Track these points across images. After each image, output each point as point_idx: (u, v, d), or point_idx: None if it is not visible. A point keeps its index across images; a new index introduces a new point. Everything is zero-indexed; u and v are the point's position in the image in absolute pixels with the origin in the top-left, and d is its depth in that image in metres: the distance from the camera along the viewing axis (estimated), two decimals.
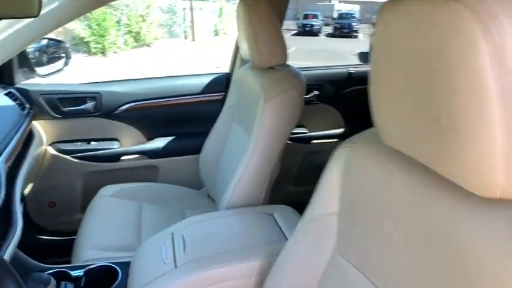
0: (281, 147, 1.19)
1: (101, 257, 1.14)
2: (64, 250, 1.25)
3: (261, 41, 1.17)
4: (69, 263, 1.15)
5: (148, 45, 11.17)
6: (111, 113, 1.65)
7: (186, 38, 12.95)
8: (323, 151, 2.05)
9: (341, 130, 1.95)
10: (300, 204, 1.97)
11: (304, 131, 1.89)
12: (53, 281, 0.81)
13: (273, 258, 0.80)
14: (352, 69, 1.91)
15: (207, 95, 1.79)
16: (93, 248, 1.18)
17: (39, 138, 1.52)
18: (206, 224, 1.06)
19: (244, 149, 1.21)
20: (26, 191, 1.62)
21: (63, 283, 1.00)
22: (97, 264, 1.06)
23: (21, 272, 1.03)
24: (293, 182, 1.95)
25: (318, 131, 1.91)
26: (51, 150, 1.61)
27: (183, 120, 1.80)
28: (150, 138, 1.77)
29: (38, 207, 1.68)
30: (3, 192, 0.97)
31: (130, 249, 1.22)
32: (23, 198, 1.63)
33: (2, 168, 1.02)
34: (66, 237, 1.72)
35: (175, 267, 0.91)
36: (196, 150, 1.67)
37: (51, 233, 1.72)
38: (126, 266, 1.05)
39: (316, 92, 1.87)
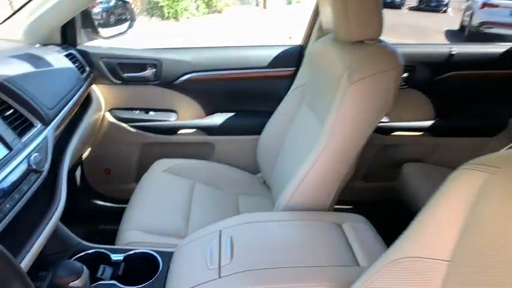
0: (362, 144, 0.95)
1: (143, 241, 1.05)
2: (116, 216, 1.20)
3: (352, 6, 0.92)
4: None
5: (219, 12, 11.10)
6: (171, 83, 1.54)
7: (257, 5, 12.64)
8: (404, 145, 1.77)
9: (430, 123, 1.62)
10: (366, 203, 1.75)
11: (385, 120, 1.61)
12: (86, 272, 0.72)
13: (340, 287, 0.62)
14: (455, 50, 1.55)
15: (274, 69, 1.59)
16: (137, 228, 1.10)
17: (97, 103, 1.46)
18: (260, 227, 0.90)
19: (313, 139, 1.00)
20: (84, 155, 1.61)
21: (102, 266, 0.92)
22: (137, 251, 0.97)
23: (61, 249, 1.00)
24: (363, 177, 1.71)
25: (402, 121, 1.62)
26: (109, 117, 1.56)
27: (245, 96, 1.63)
28: (208, 112, 1.64)
29: (94, 173, 1.67)
30: (49, 160, 0.90)
31: (175, 235, 1.12)
32: (81, 163, 1.62)
33: (51, 136, 0.95)
34: (120, 205, 1.71)
35: (219, 276, 0.77)
36: (257, 130, 1.50)
37: (106, 199, 1.71)
38: (167, 256, 0.94)
39: (406, 74, 1.56)
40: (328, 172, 0.96)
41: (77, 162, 1.59)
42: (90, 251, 0.96)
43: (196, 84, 1.55)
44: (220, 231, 0.88)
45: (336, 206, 1.08)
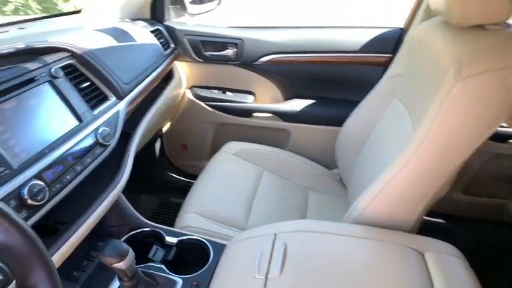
0: (467, 156, 0.75)
1: (201, 227, 1.02)
2: (187, 191, 1.20)
3: None
4: None
5: None
6: (251, 63, 1.46)
7: None
8: None
9: None
10: (464, 219, 1.48)
11: (503, 125, 1.30)
12: (131, 254, 0.71)
13: None
14: None
15: (366, 54, 1.39)
16: (198, 212, 1.07)
17: (178, 80, 1.47)
18: (322, 239, 0.78)
19: (403, 141, 0.82)
20: (164, 129, 1.66)
21: (155, 247, 0.91)
22: (192, 237, 0.94)
23: (121, 223, 1.02)
24: (463, 189, 1.43)
25: None
26: (189, 94, 1.56)
27: (330, 82, 1.47)
28: (287, 97, 1.53)
29: (172, 147, 1.72)
30: (117, 134, 0.91)
31: (234, 226, 1.07)
32: (161, 135, 1.67)
33: (123, 111, 0.96)
34: (192, 180, 1.74)
35: None
36: (338, 121, 1.35)
37: (180, 172, 1.76)
38: (220, 249, 0.89)
39: None
40: (416, 183, 0.78)
41: (157, 135, 1.65)
42: (146, 229, 0.96)
43: (277, 66, 1.45)
44: (275, 235, 0.79)
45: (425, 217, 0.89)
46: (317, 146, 1.50)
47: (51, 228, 0.75)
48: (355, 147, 1.23)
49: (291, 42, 1.42)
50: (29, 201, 0.63)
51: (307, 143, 1.51)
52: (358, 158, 1.22)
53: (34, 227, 0.75)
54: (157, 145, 1.71)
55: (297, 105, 1.50)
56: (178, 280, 0.82)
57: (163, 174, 1.74)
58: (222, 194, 1.18)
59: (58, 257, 0.69)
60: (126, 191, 1.01)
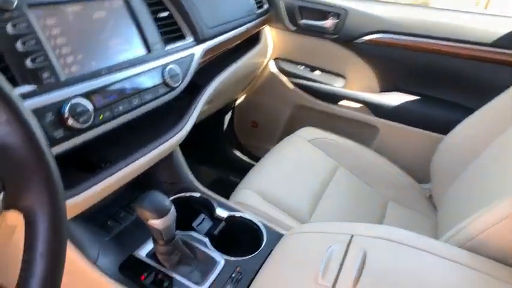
0: None
1: (257, 208, 0.87)
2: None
3: None
4: None
5: None
6: (350, 41, 1.26)
7: None
8: None
9: None
10: None
11: None
12: (172, 214, 0.58)
13: None
14: None
15: (499, 50, 1.10)
16: (257, 191, 0.92)
17: (264, 47, 1.32)
18: (411, 254, 0.56)
19: None
20: (238, 102, 1.54)
21: (202, 216, 0.78)
22: (245, 216, 0.79)
23: (171, 180, 0.91)
24: None
25: None
26: (272, 66, 1.41)
27: (441, 78, 1.21)
28: (384, 89, 1.30)
29: (242, 122, 1.59)
30: (187, 79, 0.79)
31: (294, 216, 0.89)
32: (233, 108, 1.56)
33: (199, 55, 0.83)
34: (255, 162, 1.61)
35: None
36: (442, 127, 1.09)
37: (245, 151, 1.62)
38: (275, 237, 0.73)
39: None
40: None
41: (229, 106, 1.54)
42: (196, 195, 0.83)
43: (380, 48, 1.22)
44: (352, 236, 0.60)
45: None
46: (409, 152, 1.25)
47: (93, 165, 0.65)
48: (459, 161, 0.97)
49: (405, 22, 1.18)
50: (70, 121, 0.53)
51: (398, 146, 1.26)
52: (462, 175, 0.96)
53: (74, 159, 0.67)
54: (227, 117, 1.59)
55: (394, 99, 1.25)
56: (220, 260, 0.67)
57: (227, 150, 1.63)
58: (288, 180, 1.01)
59: (91, 195, 0.59)
60: (184, 156, 0.90)
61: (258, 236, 0.75)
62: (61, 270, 0.35)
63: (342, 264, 0.54)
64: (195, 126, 0.83)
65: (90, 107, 0.56)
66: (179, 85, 0.76)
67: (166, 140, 0.74)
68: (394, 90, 1.29)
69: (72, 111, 0.53)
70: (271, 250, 0.69)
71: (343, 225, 0.65)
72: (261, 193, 0.92)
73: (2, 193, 0.32)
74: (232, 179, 1.56)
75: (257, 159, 1.56)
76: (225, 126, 1.59)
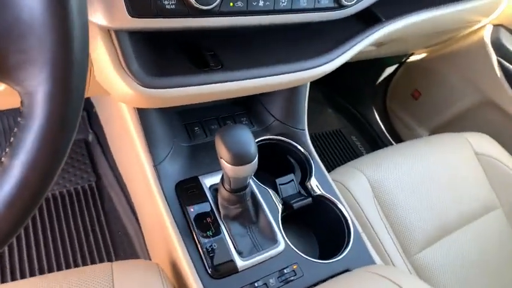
0: None
1: (358, 198, 0.66)
2: None
3: None
4: None
5: None
6: None
7: None
8: None
9: None
10: None
11: None
12: (252, 165, 0.43)
13: None
14: None
15: None
16: (370, 178, 0.70)
17: (491, 3, 0.91)
18: None
19: None
20: (410, 59, 1.21)
21: (291, 176, 0.62)
22: (339, 208, 0.60)
23: (280, 119, 0.74)
24: None
25: None
26: (487, 33, 1.00)
27: None
28: None
29: (399, 86, 1.28)
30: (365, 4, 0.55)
31: (397, 235, 0.67)
32: (400, 64, 1.24)
33: None
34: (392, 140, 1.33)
35: None
36: None
37: (387, 123, 1.34)
38: (355, 256, 0.54)
39: None
40: None
41: (393, 60, 1.23)
42: (299, 148, 0.66)
43: None
44: None
45: None
46: None
47: (203, 61, 0.51)
48: None
49: None
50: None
51: None
52: None
53: (184, 45, 0.54)
54: (387, 72, 1.29)
55: None
56: (280, 244, 0.52)
57: (366, 110, 1.36)
58: (418, 189, 0.74)
59: (193, 93, 0.47)
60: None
61: (342, 234, 0.57)
62: (47, 186, 0.24)
63: None
64: (341, 69, 0.62)
65: None
66: (353, 4, 0.53)
67: (306, 69, 0.55)
68: None
69: None
70: (340, 271, 0.51)
71: None
72: (374, 185, 0.70)
73: None
74: (353, 140, 1.33)
75: (398, 138, 1.29)
76: (378, 81, 1.30)
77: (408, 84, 1.25)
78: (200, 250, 0.49)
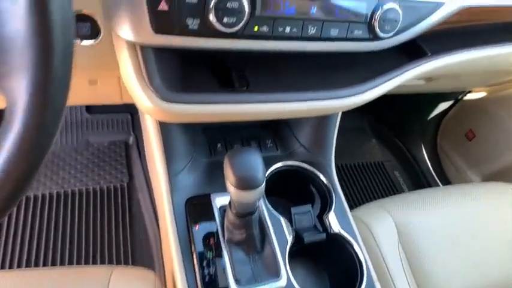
0: None
1: (380, 242, 0.61)
2: None
3: None
4: None
5: None
6: None
7: None
8: None
9: None
10: None
11: None
12: (258, 191, 0.42)
13: None
14: None
15: None
16: (397, 220, 0.65)
17: None
18: None
19: None
20: (467, 96, 1.12)
21: (308, 207, 0.60)
22: (356, 252, 0.56)
23: (306, 145, 0.70)
24: None
25: None
26: None
27: None
28: None
29: (452, 125, 1.18)
30: (407, 35, 0.52)
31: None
32: (456, 101, 1.15)
33: (436, 18, 0.53)
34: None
35: None
36: None
37: (435, 163, 1.24)
38: None
39: None
40: None
41: (447, 96, 1.15)
42: (322, 178, 0.63)
43: None
44: None
45: None
46: None
47: (230, 82, 0.52)
48: None
49: None
50: (210, 16, 0.39)
51: None
52: None
53: (214, 66, 0.55)
54: (441, 108, 1.20)
55: None
56: (281, 279, 0.49)
57: (416, 149, 1.28)
58: (455, 243, 0.67)
59: (217, 112, 0.47)
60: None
61: (350, 282, 0.53)
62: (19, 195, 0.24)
63: None
64: (390, 98, 0.58)
65: (246, 7, 0.39)
66: (390, 37, 0.50)
67: (336, 97, 0.53)
68: None
69: (219, 4, 0.38)
70: None
71: None
72: (401, 229, 0.64)
73: None
74: (396, 176, 1.25)
75: (445, 180, 1.19)
76: (430, 116, 1.22)
77: (463, 123, 1.16)
78: (197, 272, 0.48)
